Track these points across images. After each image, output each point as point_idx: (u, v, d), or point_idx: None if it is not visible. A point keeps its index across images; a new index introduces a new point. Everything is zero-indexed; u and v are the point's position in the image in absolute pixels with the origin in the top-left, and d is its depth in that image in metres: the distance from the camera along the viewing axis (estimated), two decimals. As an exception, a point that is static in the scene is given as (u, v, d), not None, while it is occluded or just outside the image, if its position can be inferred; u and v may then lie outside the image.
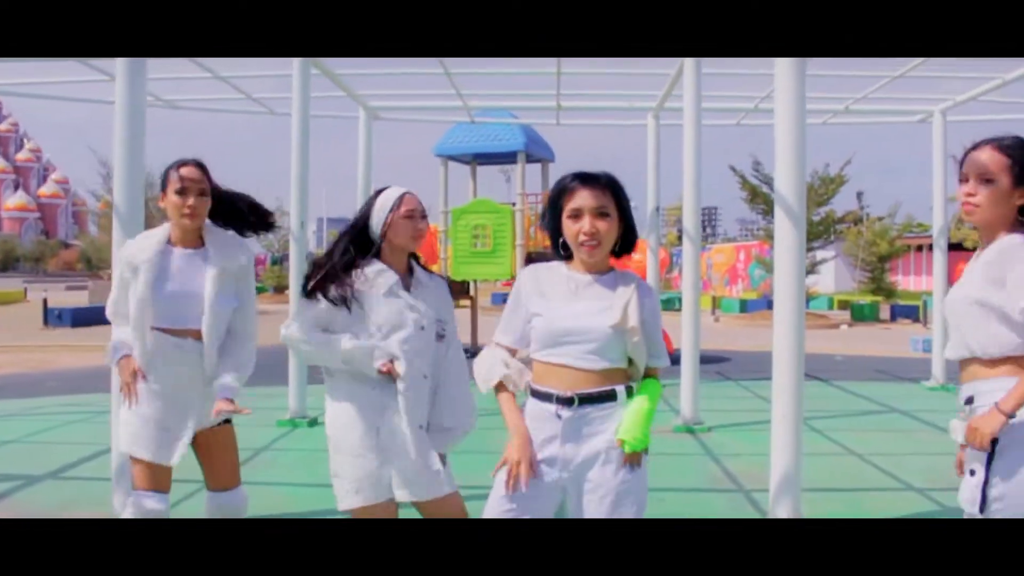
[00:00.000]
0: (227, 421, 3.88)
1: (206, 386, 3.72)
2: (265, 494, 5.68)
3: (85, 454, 7.10)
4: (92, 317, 25.81)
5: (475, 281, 16.05)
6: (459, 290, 15.51)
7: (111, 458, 5.20)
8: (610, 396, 2.78)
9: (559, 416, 2.78)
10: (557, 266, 2.94)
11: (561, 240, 2.86)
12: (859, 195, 50.67)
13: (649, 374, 2.90)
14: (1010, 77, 9.56)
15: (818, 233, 30.44)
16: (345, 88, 10.69)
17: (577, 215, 2.79)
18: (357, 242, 3.44)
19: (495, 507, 2.83)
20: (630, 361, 2.83)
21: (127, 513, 3.71)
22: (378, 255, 3.43)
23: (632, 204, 2.91)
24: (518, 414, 2.84)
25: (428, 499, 3.32)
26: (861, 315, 31.26)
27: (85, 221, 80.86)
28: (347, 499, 3.35)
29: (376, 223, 3.43)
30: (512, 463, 2.78)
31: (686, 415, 8.52)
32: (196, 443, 3.83)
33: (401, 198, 3.44)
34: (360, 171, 11.72)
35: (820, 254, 33.39)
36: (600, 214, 2.78)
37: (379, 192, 3.50)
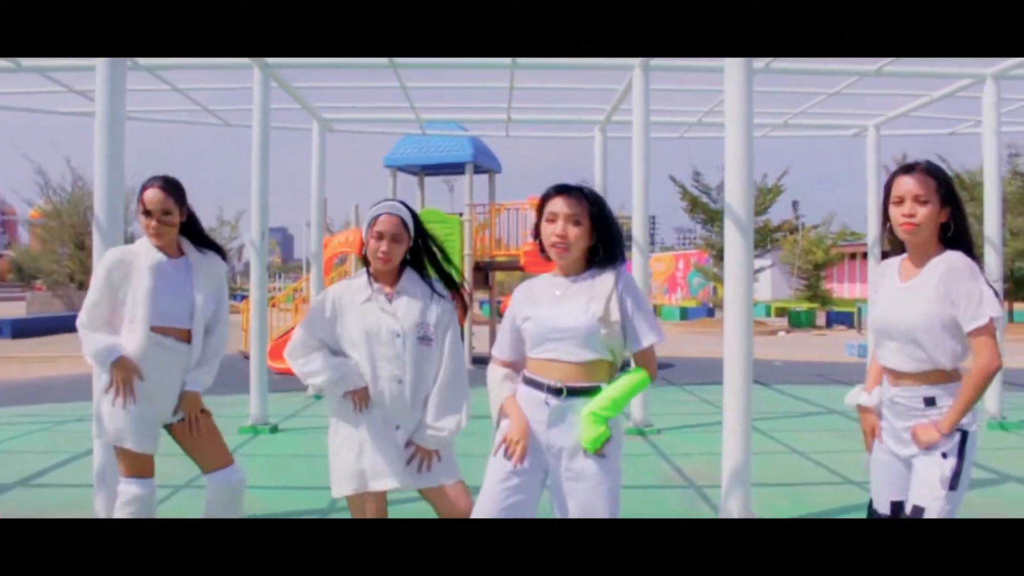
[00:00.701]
0: (203, 410, 4.07)
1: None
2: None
3: (52, 462, 7.20)
4: (32, 328, 25.46)
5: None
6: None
7: (92, 461, 5.33)
8: (595, 391, 3.06)
9: (548, 404, 3.07)
10: (545, 276, 3.22)
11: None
12: (795, 204, 51.94)
13: (637, 362, 3.18)
14: (937, 95, 10.11)
15: (756, 242, 31.14)
16: (300, 100, 10.86)
17: (552, 219, 3.09)
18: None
19: (497, 475, 3.11)
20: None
21: (118, 502, 3.94)
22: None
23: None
24: (518, 406, 3.13)
25: (406, 487, 3.59)
26: (798, 321, 32.08)
27: (15, 230, 79.06)
28: (335, 488, 3.65)
29: (364, 233, 3.70)
30: (512, 441, 3.07)
31: (636, 418, 8.86)
32: (179, 436, 4.05)
33: (376, 218, 3.66)
34: (314, 182, 11.91)
35: (758, 262, 34.17)
36: (573, 221, 3.07)
37: (375, 205, 3.75)
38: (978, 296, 2.89)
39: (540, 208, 3.16)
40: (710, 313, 36.48)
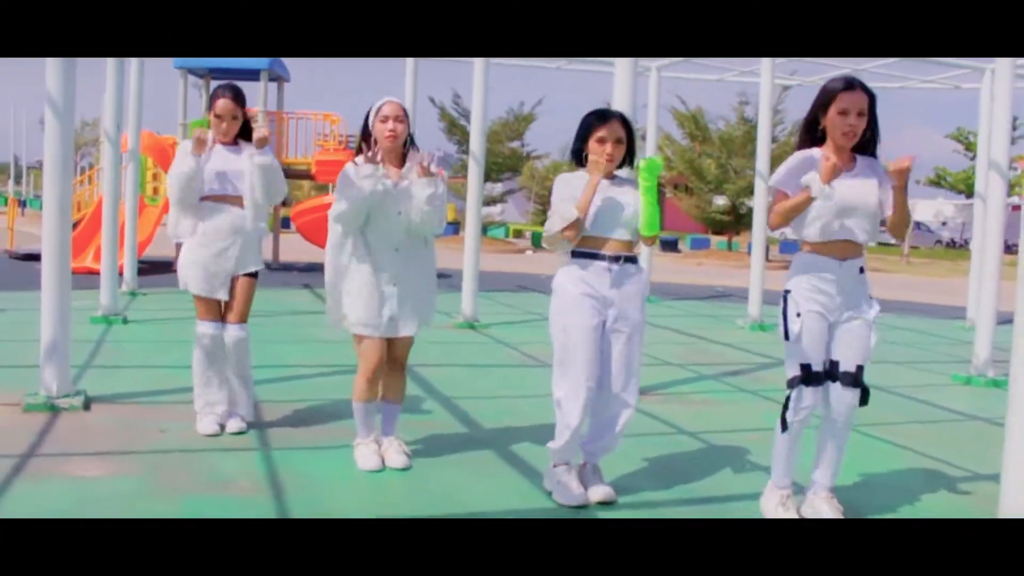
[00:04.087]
0: (255, 275, 5.09)
1: (240, 238, 5.00)
2: (154, 375, 6.43)
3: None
4: None
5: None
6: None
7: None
8: (635, 259, 4.11)
9: (610, 270, 4.04)
10: (581, 175, 4.11)
11: (584, 155, 4.09)
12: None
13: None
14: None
15: (509, 165, 32.92)
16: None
17: (602, 141, 4.05)
18: (366, 138, 4.47)
19: (586, 321, 4.00)
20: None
21: (199, 333, 5.02)
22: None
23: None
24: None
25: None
26: (539, 243, 34.21)
27: None
28: (354, 327, 4.49)
29: (370, 127, 4.48)
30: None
31: (466, 313, 10.00)
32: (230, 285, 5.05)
33: (381, 106, 4.46)
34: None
35: (503, 186, 36.05)
36: (616, 141, 4.06)
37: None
38: (886, 186, 3.83)
39: (586, 128, 4.07)
40: (455, 232, 37.99)
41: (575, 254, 4.08)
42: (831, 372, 3.87)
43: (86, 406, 5.42)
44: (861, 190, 3.78)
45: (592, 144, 4.06)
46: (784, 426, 3.86)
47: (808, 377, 3.81)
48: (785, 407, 3.85)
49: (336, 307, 4.51)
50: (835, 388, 3.86)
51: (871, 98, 3.73)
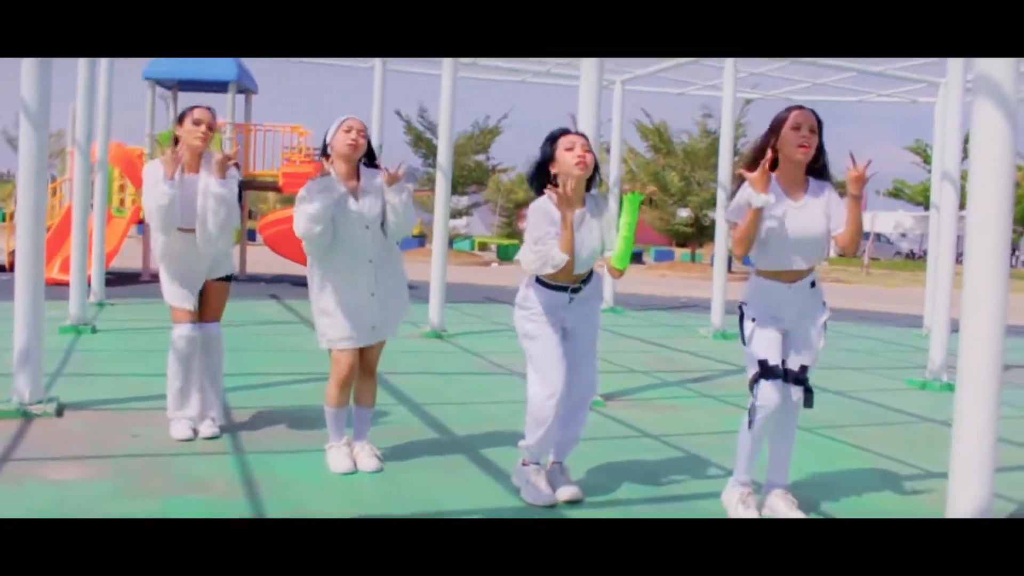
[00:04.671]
0: (228, 279, 5.30)
1: (209, 256, 5.16)
2: (125, 383, 6.47)
3: None
4: None
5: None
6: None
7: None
8: (593, 272, 4.24)
9: (571, 299, 4.16)
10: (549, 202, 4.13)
11: (553, 174, 4.10)
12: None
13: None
14: (684, 60, 11.97)
15: (475, 178, 33.08)
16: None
17: (571, 147, 4.12)
18: (326, 155, 4.58)
19: (552, 338, 4.13)
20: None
21: (174, 336, 5.13)
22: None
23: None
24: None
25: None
26: (506, 255, 34.35)
27: None
28: (333, 343, 4.57)
29: (329, 140, 4.58)
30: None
31: (434, 323, 10.09)
32: (203, 290, 5.23)
33: (345, 119, 4.58)
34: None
35: (469, 199, 36.19)
36: (584, 149, 4.13)
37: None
38: (837, 204, 4.01)
39: (553, 140, 4.13)
40: (420, 244, 38.08)
41: (538, 281, 4.18)
42: (783, 373, 4.03)
43: (59, 412, 5.46)
44: (810, 223, 3.94)
45: (561, 154, 4.08)
46: (750, 423, 4.01)
47: (765, 371, 3.96)
48: (752, 406, 4.00)
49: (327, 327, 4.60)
50: (787, 387, 4.04)
51: (819, 121, 3.90)
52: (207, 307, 5.23)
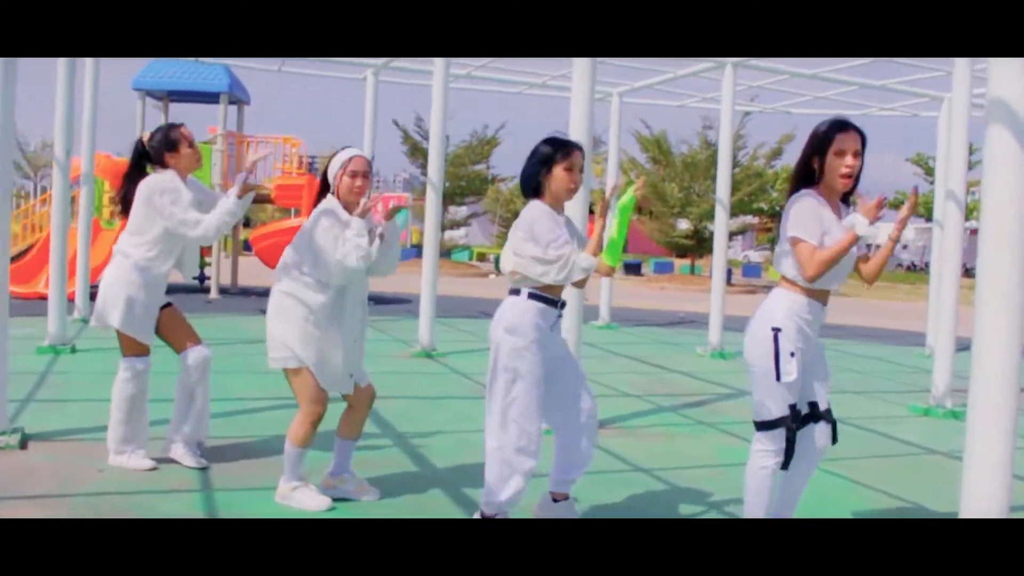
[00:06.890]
0: (168, 305, 5.05)
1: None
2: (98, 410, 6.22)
3: None
4: None
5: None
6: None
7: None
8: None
9: (560, 316, 4.03)
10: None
11: (535, 184, 3.97)
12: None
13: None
14: (681, 73, 11.77)
15: (473, 189, 32.88)
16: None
17: (570, 169, 3.94)
18: (326, 185, 4.36)
19: (538, 370, 3.93)
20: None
21: (120, 373, 4.96)
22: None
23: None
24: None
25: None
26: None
27: None
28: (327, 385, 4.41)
29: (331, 175, 4.35)
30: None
31: (424, 343, 9.86)
32: (159, 330, 5.02)
33: (350, 159, 4.33)
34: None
35: (467, 210, 35.98)
36: (580, 169, 4.00)
37: (341, 149, 4.41)
38: None
39: (552, 155, 3.95)
40: (419, 254, 37.90)
41: (533, 295, 3.96)
42: (813, 412, 3.80)
43: (23, 444, 5.22)
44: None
45: (560, 171, 3.94)
46: (785, 463, 3.73)
47: (796, 417, 3.70)
48: (789, 450, 3.70)
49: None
50: (820, 427, 3.80)
51: (863, 138, 3.64)
52: (181, 333, 5.04)
